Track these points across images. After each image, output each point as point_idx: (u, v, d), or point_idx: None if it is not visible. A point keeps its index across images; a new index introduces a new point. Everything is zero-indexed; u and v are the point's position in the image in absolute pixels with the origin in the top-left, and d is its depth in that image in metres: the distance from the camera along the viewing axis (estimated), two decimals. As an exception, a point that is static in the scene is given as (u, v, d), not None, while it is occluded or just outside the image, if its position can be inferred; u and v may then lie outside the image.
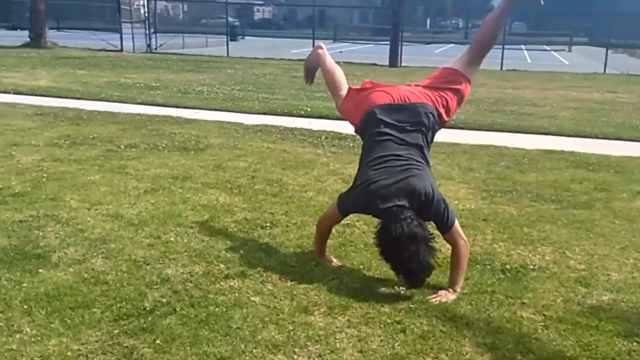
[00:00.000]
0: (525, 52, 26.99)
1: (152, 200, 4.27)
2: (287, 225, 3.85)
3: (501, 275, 3.20)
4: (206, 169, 5.24)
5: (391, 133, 3.07)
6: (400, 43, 17.11)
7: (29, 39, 19.71)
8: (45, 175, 4.77)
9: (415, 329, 2.62)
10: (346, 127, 7.48)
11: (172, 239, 3.55)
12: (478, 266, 3.30)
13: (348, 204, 3.10)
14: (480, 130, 7.77)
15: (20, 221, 3.73)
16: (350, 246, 3.54)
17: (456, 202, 4.47)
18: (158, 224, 3.78)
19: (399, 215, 2.80)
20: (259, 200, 4.35)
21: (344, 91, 3.41)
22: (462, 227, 3.09)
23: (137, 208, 4.09)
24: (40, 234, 3.54)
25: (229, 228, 3.78)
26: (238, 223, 3.86)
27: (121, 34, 20.21)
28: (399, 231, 2.74)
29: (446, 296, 2.90)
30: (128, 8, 25.76)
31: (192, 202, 4.26)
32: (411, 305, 2.82)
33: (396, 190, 2.88)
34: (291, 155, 5.94)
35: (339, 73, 3.52)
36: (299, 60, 19.04)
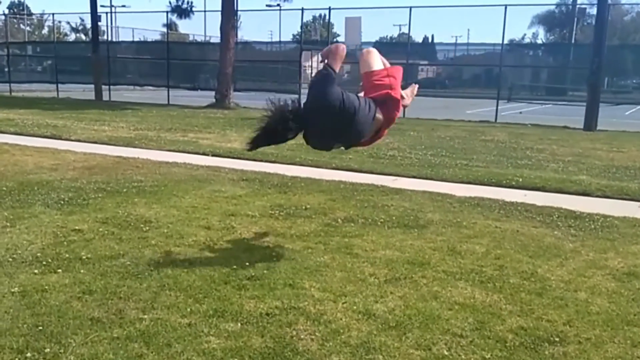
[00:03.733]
0: None
1: (398, 293, 3.74)
2: (580, 342, 3.11)
3: None
4: (440, 252, 4.66)
5: None
6: (598, 105, 15.74)
7: (214, 100, 20.80)
8: (274, 254, 4.44)
9: None
10: (578, 204, 6.65)
11: (446, 352, 2.96)
12: None
13: None
14: None
15: (267, 314, 3.34)
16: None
17: None
18: (421, 329, 3.21)
19: None
20: (525, 301, 3.66)
21: None
22: None
23: (386, 303, 3.56)
24: (294, 333, 3.11)
25: (507, 341, 3.11)
26: (515, 334, 3.19)
27: (300, 95, 20.70)
28: None
29: None
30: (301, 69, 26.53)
31: (446, 299, 3.67)
32: None
33: None
34: (528, 238, 5.20)
35: None
36: (480, 121, 18.27)
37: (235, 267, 4.11)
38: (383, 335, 3.12)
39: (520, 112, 22.88)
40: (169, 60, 23.85)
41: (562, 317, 3.43)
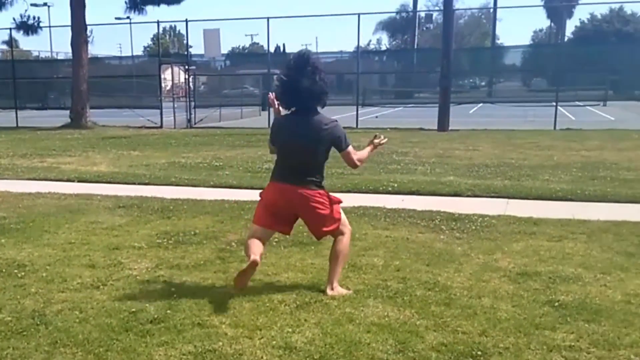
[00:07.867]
0: (562, 109, 26.51)
1: (312, 320, 3.63)
2: (500, 353, 3.17)
3: None
4: (344, 269, 4.61)
5: None
6: (449, 107, 16.74)
7: (69, 119, 19.55)
8: (173, 290, 4.15)
9: None
10: (453, 206, 6.91)
11: (377, 380, 2.89)
12: None
13: None
14: (594, 202, 7.14)
15: (181, 362, 3.10)
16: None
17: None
18: (345, 359, 3.12)
19: None
20: (437, 314, 3.70)
21: None
22: None
23: (303, 333, 3.44)
24: (216, 380, 2.90)
25: None
26: (438, 352, 3.19)
27: (161, 110, 20.00)
28: None
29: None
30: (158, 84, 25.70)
31: (361, 320, 3.62)
32: None
33: None
34: (419, 245, 5.32)
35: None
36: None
37: (133, 310, 3.79)
38: (311, 370, 3.00)
39: (377, 117, 23.72)
40: (15, 80, 22.06)
41: (475, 326, 3.50)
